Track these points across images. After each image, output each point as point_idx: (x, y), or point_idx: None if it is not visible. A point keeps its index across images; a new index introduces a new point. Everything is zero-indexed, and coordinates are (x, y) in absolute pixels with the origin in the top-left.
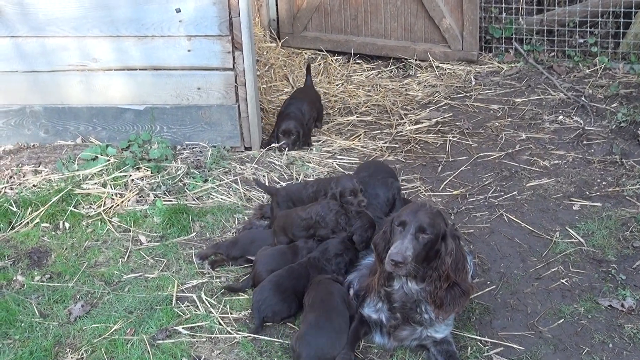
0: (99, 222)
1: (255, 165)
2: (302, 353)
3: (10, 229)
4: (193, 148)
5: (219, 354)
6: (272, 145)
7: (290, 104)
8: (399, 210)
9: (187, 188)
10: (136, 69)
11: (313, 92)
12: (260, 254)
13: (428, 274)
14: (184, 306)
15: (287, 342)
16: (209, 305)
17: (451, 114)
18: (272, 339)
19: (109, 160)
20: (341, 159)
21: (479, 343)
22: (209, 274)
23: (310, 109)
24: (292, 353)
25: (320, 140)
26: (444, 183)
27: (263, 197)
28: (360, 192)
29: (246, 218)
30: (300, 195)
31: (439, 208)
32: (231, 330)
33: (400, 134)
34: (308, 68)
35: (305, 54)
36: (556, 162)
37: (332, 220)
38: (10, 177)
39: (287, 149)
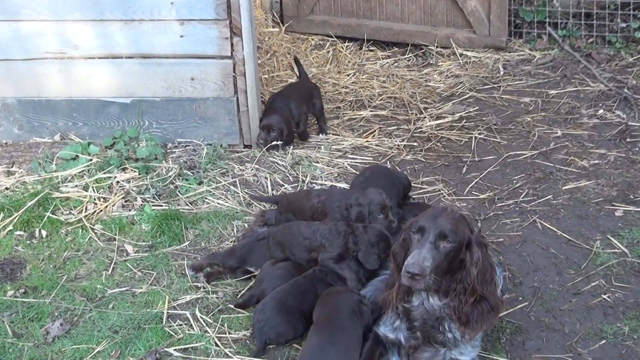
0: (80, 230)
1: (256, 166)
2: None
3: None
4: (186, 146)
5: None
6: (273, 143)
7: (275, 99)
8: (418, 215)
9: (179, 191)
10: (122, 57)
11: (306, 86)
12: (267, 270)
13: (452, 288)
14: (176, 325)
15: None
16: (205, 324)
17: (477, 107)
18: None
19: (91, 159)
20: (353, 158)
21: None
22: (204, 288)
23: (299, 105)
24: None
25: (329, 138)
26: (470, 186)
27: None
28: (390, 211)
29: (246, 225)
30: (301, 205)
31: (462, 213)
32: (229, 352)
33: (420, 130)
34: (296, 60)
35: (312, 40)
36: (596, 162)
37: (341, 245)
38: None
39: (262, 143)
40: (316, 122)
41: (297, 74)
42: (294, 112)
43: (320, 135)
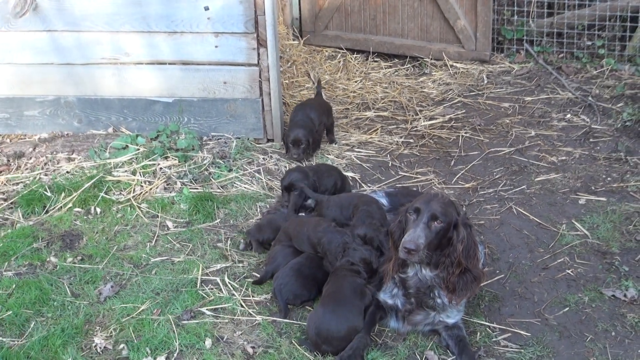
0: (129, 208)
1: (278, 157)
2: (309, 329)
3: (45, 213)
4: (218, 139)
5: (241, 334)
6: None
7: (298, 111)
8: (414, 200)
9: (212, 177)
10: (166, 63)
11: (324, 104)
12: (279, 249)
13: (441, 261)
14: (208, 289)
15: (305, 324)
16: (232, 289)
17: (464, 110)
18: (291, 321)
19: (138, 149)
20: (359, 151)
21: (487, 329)
22: (232, 258)
23: (319, 115)
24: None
25: (338, 134)
26: (457, 176)
27: None
28: (373, 241)
29: (268, 206)
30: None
31: (451, 198)
32: (253, 312)
33: (415, 129)
34: (319, 82)
35: (326, 51)
36: (563, 158)
37: (334, 252)
38: (45, 163)
39: (296, 158)
40: (326, 134)
41: (315, 90)
42: (315, 121)
43: (331, 144)
